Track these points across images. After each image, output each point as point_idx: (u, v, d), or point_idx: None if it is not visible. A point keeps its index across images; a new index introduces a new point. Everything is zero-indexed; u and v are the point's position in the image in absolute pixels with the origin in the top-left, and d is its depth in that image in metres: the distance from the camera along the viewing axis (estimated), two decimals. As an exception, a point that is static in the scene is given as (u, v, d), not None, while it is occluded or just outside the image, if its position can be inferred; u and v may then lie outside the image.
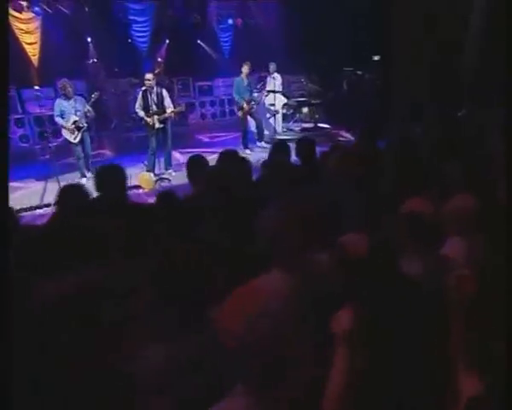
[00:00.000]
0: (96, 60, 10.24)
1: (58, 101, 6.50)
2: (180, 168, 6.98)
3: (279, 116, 8.92)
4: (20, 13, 10.00)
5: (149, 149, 6.41)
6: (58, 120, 6.52)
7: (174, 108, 6.58)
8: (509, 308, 1.30)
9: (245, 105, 8.17)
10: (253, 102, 8.34)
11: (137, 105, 6.33)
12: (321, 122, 9.52)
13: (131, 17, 11.29)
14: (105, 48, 10.45)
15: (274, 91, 8.90)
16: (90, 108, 6.62)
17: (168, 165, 6.75)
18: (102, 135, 9.93)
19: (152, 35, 11.61)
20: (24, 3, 9.97)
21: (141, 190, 5.72)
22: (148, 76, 6.23)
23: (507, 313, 1.30)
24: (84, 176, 6.67)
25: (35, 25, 10.36)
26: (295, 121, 9.82)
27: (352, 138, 8.36)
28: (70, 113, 6.41)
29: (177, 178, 6.38)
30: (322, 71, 10.10)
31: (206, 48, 12.15)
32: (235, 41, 12.76)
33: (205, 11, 12.07)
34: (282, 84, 9.47)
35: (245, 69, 8.13)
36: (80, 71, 10.14)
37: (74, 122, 6.42)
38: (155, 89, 6.22)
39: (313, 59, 10.21)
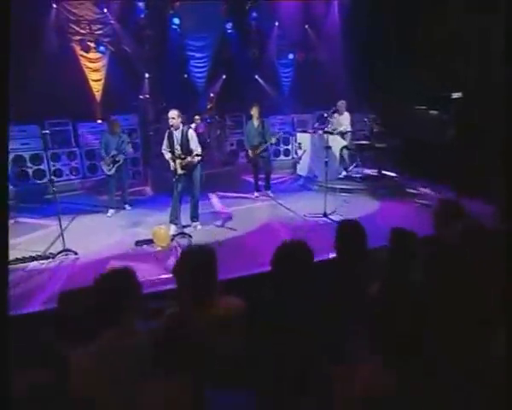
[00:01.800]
0: (147, 96, 10.07)
1: (105, 135, 6.96)
2: (213, 219, 6.25)
3: (335, 160, 7.76)
4: (87, 53, 10.33)
5: (172, 197, 5.63)
6: (102, 152, 6.89)
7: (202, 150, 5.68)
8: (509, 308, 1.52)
9: (250, 151, 7.43)
10: (262, 147, 7.37)
11: (164, 146, 5.62)
12: (387, 170, 8.14)
13: (190, 53, 11.14)
14: (160, 83, 10.31)
15: (330, 132, 7.86)
16: (126, 147, 6.84)
17: (194, 217, 5.90)
18: (147, 171, 9.62)
19: (209, 70, 11.32)
20: (91, 44, 10.29)
21: (154, 247, 4.92)
22: (172, 113, 5.40)
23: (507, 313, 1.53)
24: (112, 207, 6.85)
25: (102, 63, 10.67)
26: (356, 166, 8.56)
27: (431, 193, 6.92)
28: (112, 147, 6.72)
29: (203, 234, 5.54)
30: (390, 110, 8.80)
31: (264, 84, 11.53)
32: (296, 77, 12.00)
33: (264, 46, 11.54)
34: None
35: (254, 112, 7.42)
36: (134, 106, 10.04)
37: (112, 156, 6.71)
38: (181, 129, 5.44)
39: (379, 96, 8.98)
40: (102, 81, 10.80)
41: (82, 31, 10.28)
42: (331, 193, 7.19)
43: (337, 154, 7.94)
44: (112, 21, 10.30)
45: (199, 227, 5.83)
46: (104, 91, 10.64)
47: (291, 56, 11.91)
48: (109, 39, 10.42)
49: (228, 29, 11.11)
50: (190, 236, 5.29)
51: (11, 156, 8.92)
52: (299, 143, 9.10)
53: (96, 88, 10.84)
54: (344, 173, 8.32)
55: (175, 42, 10.81)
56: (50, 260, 4.65)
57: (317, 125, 9.05)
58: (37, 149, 9.20)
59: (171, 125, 5.35)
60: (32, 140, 9.19)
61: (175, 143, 5.40)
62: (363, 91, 9.36)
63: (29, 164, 9.13)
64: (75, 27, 10.21)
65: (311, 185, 8.17)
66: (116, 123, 6.99)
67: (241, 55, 11.19)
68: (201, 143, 9.35)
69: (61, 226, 4.84)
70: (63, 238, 4.81)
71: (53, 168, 9.39)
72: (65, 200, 8.17)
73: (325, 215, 5.91)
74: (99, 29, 10.43)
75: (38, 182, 9.09)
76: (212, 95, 10.43)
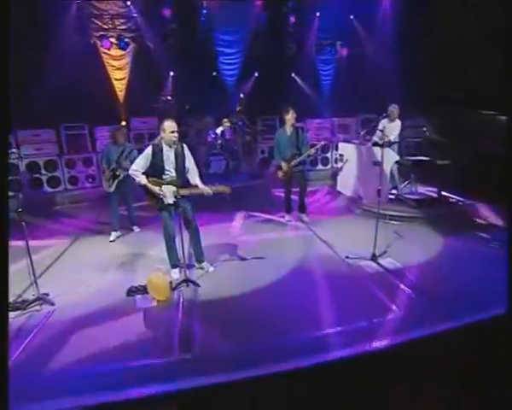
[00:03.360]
0: (169, 97, 9.09)
1: (108, 145, 5.94)
2: (230, 253, 5.02)
3: (385, 180, 6.35)
4: (110, 49, 9.54)
5: (165, 236, 4.27)
6: (102, 164, 5.91)
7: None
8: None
9: (283, 164, 6.02)
10: (297, 160, 5.99)
11: (138, 166, 4.09)
12: (448, 190, 6.65)
13: (220, 48, 10.05)
14: (186, 82, 9.30)
15: (380, 145, 6.48)
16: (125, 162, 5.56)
17: (199, 257, 4.56)
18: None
19: (240, 68, 10.18)
20: (113, 40, 9.49)
21: (151, 300, 3.84)
22: (172, 125, 3.99)
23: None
24: (115, 230, 5.83)
25: (125, 61, 9.86)
26: (408, 183, 7.11)
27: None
28: (114, 159, 5.67)
29: (214, 280, 4.28)
30: (454, 117, 7.25)
31: (301, 82, 10.22)
32: (338, 75, 10.60)
33: (303, 40, 10.21)
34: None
35: (290, 117, 5.97)
36: (155, 108, 9.12)
37: (112, 169, 5.66)
38: (177, 145, 4.06)
39: (441, 99, 7.46)
40: (126, 80, 10.00)
41: (104, 26, 9.49)
42: (374, 218, 5.98)
43: (388, 171, 6.53)
44: (135, 15, 9.40)
45: (210, 269, 4.55)
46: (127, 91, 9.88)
47: (333, 52, 10.51)
48: (132, 34, 9.55)
49: (262, 21, 9.88)
50: (198, 284, 4.11)
51: (25, 162, 8.30)
52: (341, 155, 7.74)
53: (119, 87, 10.06)
54: (394, 192, 6.90)
55: (203, 36, 9.74)
56: (20, 312, 3.69)
57: (362, 133, 7.66)
58: (52, 154, 8.54)
59: (173, 140, 3.96)
60: (45, 145, 8.52)
61: (165, 163, 4.09)
62: (419, 94, 7.85)
63: (43, 171, 8.48)
64: (97, 22, 9.42)
65: (353, 208, 6.83)
66: (120, 131, 5.90)
67: (277, 50, 9.91)
68: (229, 151, 8.43)
69: (32, 267, 3.78)
70: (36, 284, 3.82)
71: (68, 175, 8.74)
72: (73, 214, 7.45)
73: (373, 258, 4.57)
74: (122, 23, 9.59)
75: (52, 190, 8.43)
76: (241, 95, 9.29)
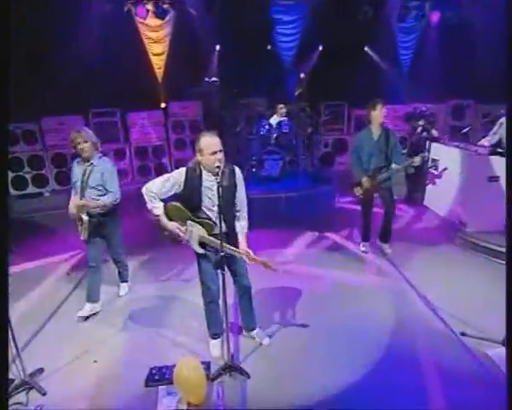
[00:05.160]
0: (215, 79, 7.51)
1: (73, 163, 3.50)
2: (291, 308, 3.51)
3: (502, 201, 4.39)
4: (145, 18, 8.10)
5: (203, 293, 2.87)
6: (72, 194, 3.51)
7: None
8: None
9: (365, 180, 4.37)
10: (385, 174, 4.31)
11: (156, 187, 2.66)
12: None
13: (276, 16, 8.26)
14: (234, 58, 7.64)
15: (499, 152, 4.56)
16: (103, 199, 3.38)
17: (249, 323, 3.14)
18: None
19: (301, 40, 8.34)
20: (149, 7, 8.00)
21: (179, 401, 2.41)
22: (211, 143, 2.53)
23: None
24: (94, 301, 3.55)
25: (164, 32, 8.41)
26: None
27: None
28: (77, 187, 3.39)
29: (276, 358, 2.85)
30: None
31: (376, 58, 8.20)
32: (425, 47, 8.43)
33: (381, 2, 8.10)
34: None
35: (377, 114, 4.29)
36: (197, 91, 7.62)
37: (77, 207, 3.34)
38: (223, 169, 2.56)
39: None
40: (165, 55, 8.56)
41: (139, -11, 8.00)
42: (484, 256, 4.43)
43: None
44: (175, -25, 7.82)
45: (265, 341, 3.07)
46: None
47: (418, 17, 8.32)
48: (172, 0, 7.99)
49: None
50: (246, 374, 2.60)
51: (51, 155, 7.21)
52: (434, 160, 5.82)
53: (158, 64, 8.66)
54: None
55: (256, 2, 7.93)
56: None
57: (466, 130, 5.69)
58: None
59: (216, 166, 2.45)
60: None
61: (204, 196, 2.64)
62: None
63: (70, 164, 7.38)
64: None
65: (452, 236, 4.98)
66: (84, 135, 3.28)
67: (346, 17, 7.91)
68: (286, 146, 6.81)
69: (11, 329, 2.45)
70: (20, 357, 2.56)
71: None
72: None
73: (504, 344, 2.83)
74: (160, -14, 8.05)
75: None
76: (302, 75, 7.52)
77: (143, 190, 2.67)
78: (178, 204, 2.70)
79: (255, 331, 3.12)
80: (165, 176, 2.69)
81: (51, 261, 4.85)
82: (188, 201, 2.70)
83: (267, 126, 6.53)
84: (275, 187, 6.06)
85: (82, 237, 3.43)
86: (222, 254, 2.52)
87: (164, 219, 2.67)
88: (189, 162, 2.74)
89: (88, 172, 3.36)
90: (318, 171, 7.00)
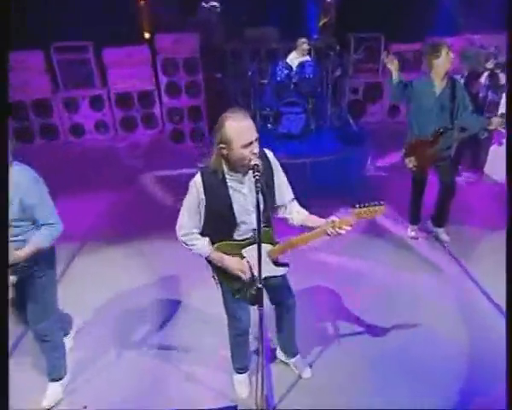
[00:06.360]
0: (215, 3, 5.76)
1: None
2: (333, 318, 2.58)
3: None
4: None
5: (230, 327, 2.12)
6: None
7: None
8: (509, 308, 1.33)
9: (416, 148, 3.32)
10: (446, 141, 3.26)
11: (185, 223, 1.84)
12: None
13: None
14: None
15: None
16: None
17: (290, 347, 2.37)
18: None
19: None
20: None
21: None
22: (244, 128, 1.56)
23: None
24: (56, 380, 2.22)
25: None
26: None
27: None
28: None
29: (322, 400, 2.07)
30: None
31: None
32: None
33: None
34: None
35: (442, 60, 3.14)
36: (190, 21, 5.90)
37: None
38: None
39: None
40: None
41: None
42: None
43: None
44: None
45: (306, 373, 2.31)
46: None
47: None
48: None
49: None
50: None
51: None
52: (503, 115, 4.31)
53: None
54: None
55: None
56: None
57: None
58: (43, 92, 5.79)
59: (252, 164, 1.59)
60: (31, 76, 5.73)
61: (236, 207, 1.78)
62: None
63: (32, 115, 5.88)
64: None
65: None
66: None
67: None
68: (310, 94, 5.25)
69: None
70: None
71: (69, 124, 6.10)
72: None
73: None
74: None
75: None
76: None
77: (180, 239, 1.88)
78: (222, 240, 1.86)
79: (294, 359, 2.39)
80: (183, 206, 1.86)
81: None
82: (217, 221, 1.83)
83: (286, 70, 4.96)
84: (296, 148, 4.64)
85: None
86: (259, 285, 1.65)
87: (218, 254, 1.86)
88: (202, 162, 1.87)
89: None
90: (349, 126, 5.48)
